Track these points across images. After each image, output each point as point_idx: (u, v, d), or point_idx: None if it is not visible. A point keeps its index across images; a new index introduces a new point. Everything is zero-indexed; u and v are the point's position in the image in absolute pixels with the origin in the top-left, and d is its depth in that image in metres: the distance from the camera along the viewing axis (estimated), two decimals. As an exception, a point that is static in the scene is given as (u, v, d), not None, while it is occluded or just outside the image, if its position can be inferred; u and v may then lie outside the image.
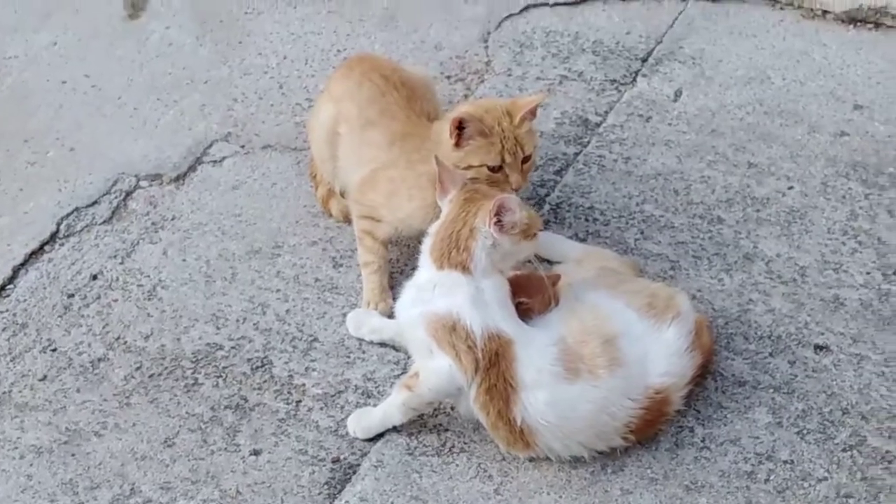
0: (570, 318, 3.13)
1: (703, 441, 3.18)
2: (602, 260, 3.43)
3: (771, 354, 3.35)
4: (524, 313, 3.16)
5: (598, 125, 4.05)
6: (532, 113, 3.42)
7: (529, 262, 3.25)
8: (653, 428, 3.16)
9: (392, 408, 3.18)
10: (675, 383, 3.14)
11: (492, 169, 3.37)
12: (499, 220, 3.06)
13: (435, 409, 3.24)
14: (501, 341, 3.04)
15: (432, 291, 3.10)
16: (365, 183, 3.53)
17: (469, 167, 3.36)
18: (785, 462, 3.12)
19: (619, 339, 3.10)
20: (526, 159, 3.40)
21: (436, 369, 3.08)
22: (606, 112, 4.10)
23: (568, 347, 3.07)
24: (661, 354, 3.13)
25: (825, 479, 3.09)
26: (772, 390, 3.27)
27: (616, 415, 3.08)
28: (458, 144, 3.37)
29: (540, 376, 3.04)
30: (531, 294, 3.19)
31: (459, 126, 3.35)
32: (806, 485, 3.08)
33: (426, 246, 3.18)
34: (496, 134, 3.37)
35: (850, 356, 3.34)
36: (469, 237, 3.08)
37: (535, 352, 3.06)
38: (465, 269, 3.05)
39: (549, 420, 3.05)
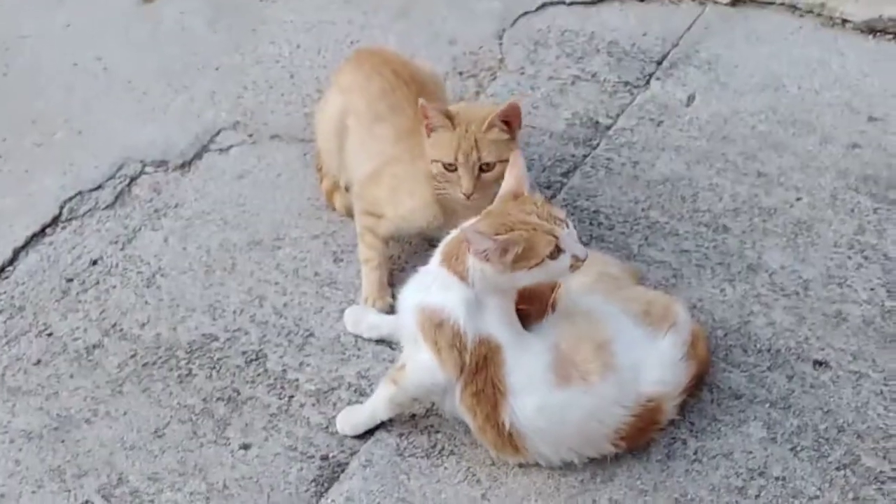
0: (564, 323, 3.10)
1: (695, 454, 3.14)
2: (602, 265, 3.38)
3: (769, 368, 3.31)
4: (521, 318, 3.13)
5: (608, 128, 4.01)
6: (508, 122, 3.33)
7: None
8: (644, 436, 3.12)
9: (379, 403, 3.16)
10: (669, 392, 3.11)
11: (447, 167, 3.32)
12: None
13: (426, 410, 3.22)
14: (491, 346, 3.01)
15: (432, 283, 3.06)
16: (369, 178, 3.51)
17: (432, 161, 3.34)
18: (777, 478, 3.09)
19: (612, 344, 3.06)
20: (486, 168, 3.33)
21: (421, 364, 3.05)
22: (618, 114, 4.06)
23: (561, 354, 3.04)
24: (655, 363, 3.09)
25: (816, 497, 3.05)
26: (768, 405, 3.23)
27: (606, 422, 3.05)
28: (428, 135, 3.35)
29: (530, 382, 3.01)
30: (532, 302, 3.16)
31: (424, 114, 3.32)
32: (797, 503, 3.04)
33: (443, 241, 3.11)
34: (457, 131, 3.32)
35: (848, 373, 3.30)
36: (465, 252, 3.00)
37: (527, 358, 3.03)
38: (462, 279, 3.01)
39: (537, 426, 3.02)
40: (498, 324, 3.03)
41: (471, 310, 3.00)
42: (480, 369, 3.01)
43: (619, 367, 3.04)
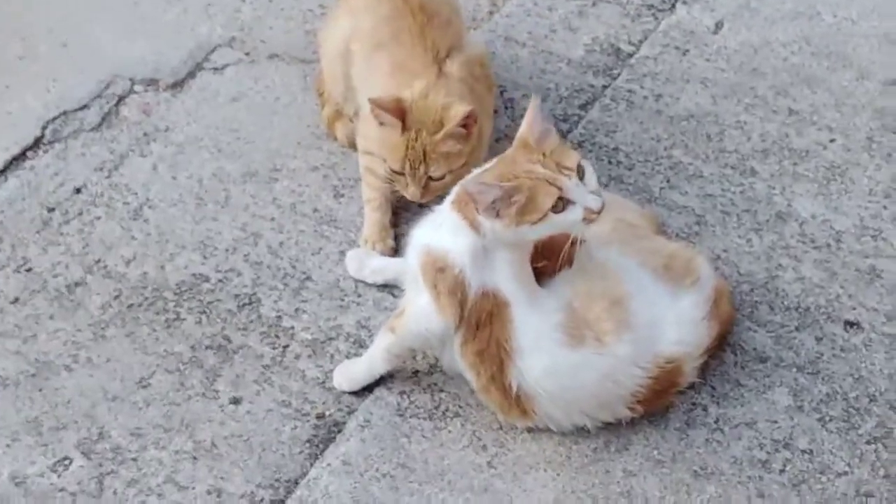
0: (577, 279, 2.88)
1: (716, 422, 2.94)
2: (619, 210, 3.14)
3: (797, 328, 3.10)
4: (539, 275, 2.90)
5: (630, 56, 3.76)
6: (465, 127, 3.08)
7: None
8: (662, 400, 2.92)
9: (376, 354, 2.95)
10: (689, 353, 2.89)
11: (394, 170, 3.13)
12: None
13: (429, 366, 3.02)
14: (497, 301, 2.79)
15: (441, 225, 2.83)
16: (366, 114, 3.26)
17: (380, 155, 3.16)
18: (803, 452, 2.89)
19: (628, 301, 2.84)
20: (434, 178, 3.12)
21: (418, 307, 2.84)
22: (640, 41, 3.81)
23: (573, 313, 2.82)
24: (674, 321, 2.88)
25: (845, 473, 2.86)
26: (795, 369, 3.03)
27: (622, 383, 2.84)
28: (380, 124, 3.13)
29: (538, 342, 2.80)
30: (550, 256, 2.92)
31: (376, 110, 3.10)
32: (824, 479, 2.85)
33: (464, 180, 2.84)
34: (407, 137, 3.09)
35: (882, 336, 3.09)
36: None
37: (536, 317, 2.81)
38: (473, 226, 2.77)
39: (547, 388, 2.82)
40: (507, 279, 2.80)
41: (478, 260, 2.77)
42: (483, 326, 2.80)
43: (635, 326, 2.83)
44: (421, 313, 2.83)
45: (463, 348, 2.83)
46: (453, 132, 3.07)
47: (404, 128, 3.08)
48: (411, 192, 3.13)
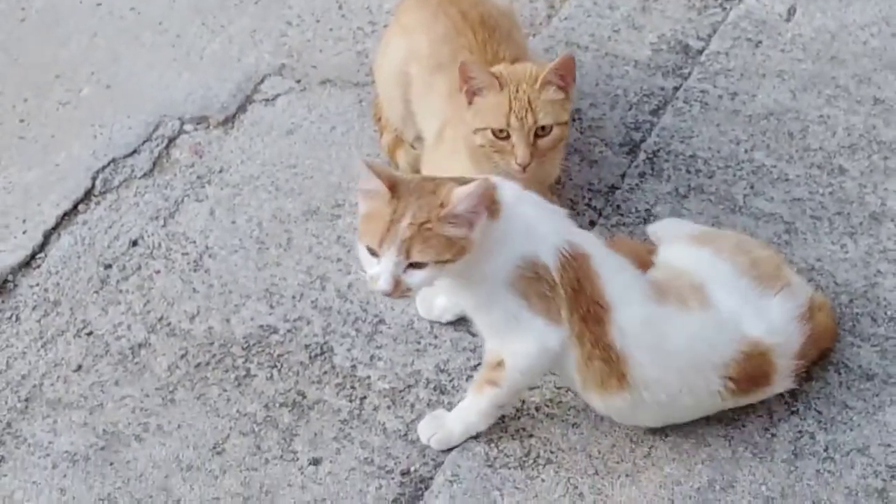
0: (657, 269, 2.79)
1: (825, 450, 2.76)
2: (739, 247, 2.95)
3: (904, 340, 2.92)
4: None
5: (699, 52, 3.57)
6: (562, 77, 2.92)
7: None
8: (755, 390, 2.75)
9: (475, 414, 2.79)
10: (779, 344, 2.71)
11: (497, 135, 2.91)
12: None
13: (517, 410, 2.85)
14: (577, 258, 2.63)
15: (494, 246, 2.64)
16: (433, 141, 3.09)
17: (476, 131, 2.94)
18: (922, 477, 2.71)
19: (707, 287, 2.71)
20: (542, 132, 2.92)
21: (525, 347, 2.66)
22: (709, 35, 3.61)
23: (655, 280, 2.73)
24: (760, 313, 2.71)
25: (969, 498, 2.68)
26: (905, 386, 2.85)
27: (715, 347, 2.68)
28: (469, 102, 2.93)
29: (627, 293, 2.66)
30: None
31: (466, 75, 2.91)
32: (947, 506, 2.67)
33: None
34: (507, 92, 2.90)
35: None
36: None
37: (616, 266, 2.69)
38: (493, 207, 2.61)
39: (646, 341, 2.65)
40: (565, 224, 2.69)
41: (526, 228, 2.64)
42: (579, 290, 2.63)
43: (717, 305, 2.69)
44: (535, 347, 2.66)
45: (570, 321, 2.65)
46: (552, 78, 2.91)
47: (501, 85, 2.91)
48: (521, 154, 2.91)
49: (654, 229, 3.09)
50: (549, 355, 2.67)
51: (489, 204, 2.58)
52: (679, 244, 2.87)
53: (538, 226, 2.65)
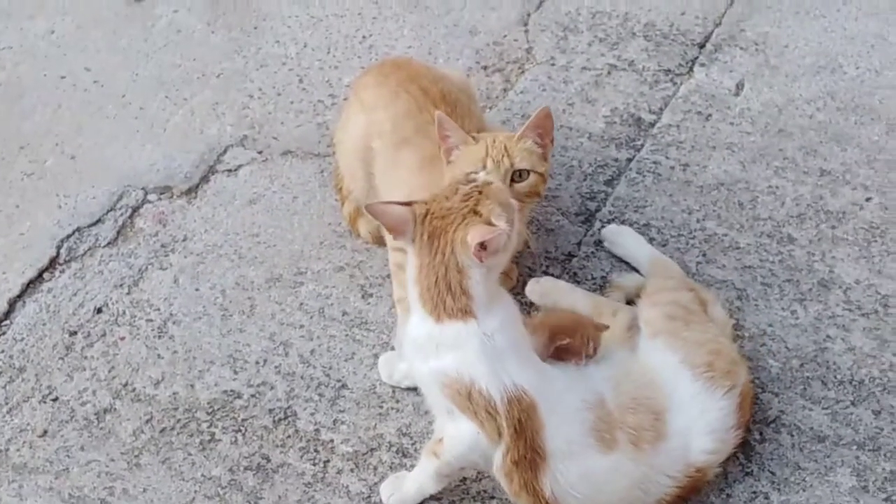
0: (622, 381, 2.80)
1: (779, 510, 2.84)
2: (674, 290, 3.04)
3: (853, 403, 3.00)
4: (563, 354, 2.83)
5: (651, 125, 3.66)
6: (540, 135, 3.01)
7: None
8: (682, 502, 2.82)
9: (424, 477, 2.83)
10: (715, 459, 2.81)
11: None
12: (484, 247, 2.63)
13: (478, 474, 2.90)
14: (524, 405, 2.66)
15: (436, 349, 2.70)
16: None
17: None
18: (873, 536, 2.79)
19: (667, 413, 2.76)
20: (518, 178, 2.99)
21: (459, 436, 2.71)
22: (661, 109, 3.71)
23: (605, 414, 2.73)
24: (707, 430, 2.78)
25: (919, 555, 2.75)
26: (855, 447, 2.92)
27: (650, 491, 2.75)
28: (448, 161, 3.02)
29: (570, 447, 2.69)
30: (571, 334, 2.85)
31: (443, 131, 3.00)
32: (897, 563, 2.74)
33: (413, 295, 2.74)
34: (484, 142, 2.99)
35: (942, 404, 2.99)
36: (461, 278, 2.66)
37: (564, 418, 2.70)
38: (466, 314, 2.66)
39: (580, 493, 2.70)
40: (522, 369, 2.69)
41: (491, 360, 2.65)
42: (520, 434, 2.67)
43: (671, 435, 2.74)
44: (467, 440, 2.71)
45: (504, 459, 2.70)
46: (529, 134, 3.00)
47: (476, 140, 3.00)
48: None
49: (608, 234, 3.29)
50: (480, 450, 2.71)
51: None
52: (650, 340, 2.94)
53: (499, 357, 2.68)
